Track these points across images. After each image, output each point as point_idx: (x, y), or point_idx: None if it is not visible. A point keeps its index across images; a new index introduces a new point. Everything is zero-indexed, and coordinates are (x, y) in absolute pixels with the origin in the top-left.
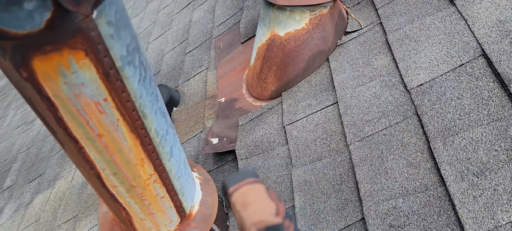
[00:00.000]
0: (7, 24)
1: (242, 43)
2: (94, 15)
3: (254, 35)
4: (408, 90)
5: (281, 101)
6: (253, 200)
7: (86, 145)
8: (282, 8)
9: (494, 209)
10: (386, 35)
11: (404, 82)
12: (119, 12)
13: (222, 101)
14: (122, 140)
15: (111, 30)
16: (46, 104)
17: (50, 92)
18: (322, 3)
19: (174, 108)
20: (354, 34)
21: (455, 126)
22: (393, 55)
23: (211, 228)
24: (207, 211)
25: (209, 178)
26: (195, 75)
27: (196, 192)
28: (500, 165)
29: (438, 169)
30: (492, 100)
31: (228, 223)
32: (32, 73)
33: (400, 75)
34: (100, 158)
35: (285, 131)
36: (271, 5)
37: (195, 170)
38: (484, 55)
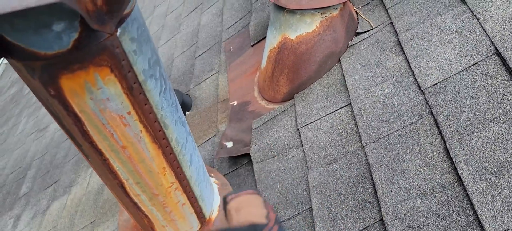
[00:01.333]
0: (37, 46)
1: (252, 46)
2: (118, 33)
3: (264, 38)
4: (422, 90)
5: (294, 104)
6: (247, 206)
7: (110, 157)
8: (292, 11)
9: None
10: (397, 35)
11: (417, 82)
12: (140, 28)
13: (235, 104)
14: (145, 151)
15: (134, 46)
16: (72, 119)
17: (77, 108)
18: (333, 5)
19: (187, 113)
20: (365, 35)
21: (471, 125)
22: (405, 55)
23: None
24: None
25: (226, 183)
26: (206, 79)
27: (215, 197)
28: None
29: (455, 169)
30: (507, 99)
31: None
32: (60, 91)
33: (413, 75)
34: (124, 168)
35: (299, 133)
36: (281, 9)
37: (212, 175)
38: (498, 53)
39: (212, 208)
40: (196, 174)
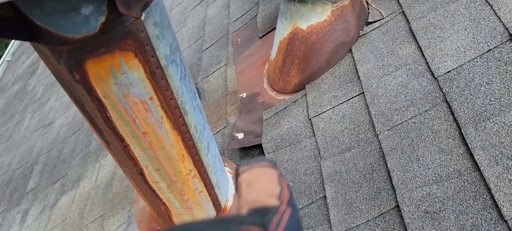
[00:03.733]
0: (65, 29)
1: (260, 37)
2: (142, 17)
3: (272, 30)
4: (435, 78)
5: (305, 94)
6: (260, 181)
7: (131, 143)
8: (303, 1)
9: None
10: (409, 23)
11: (431, 70)
12: (163, 13)
13: (244, 96)
14: (165, 137)
15: (157, 31)
16: (96, 104)
17: (101, 93)
18: None
19: None
20: (376, 24)
21: (486, 111)
22: (418, 43)
23: None
24: None
25: None
26: (214, 72)
27: (229, 186)
28: None
29: (471, 155)
30: None
31: None
32: (85, 75)
33: (427, 63)
34: (144, 155)
35: (311, 123)
36: None
37: (226, 164)
38: None
39: (227, 196)
40: (213, 162)
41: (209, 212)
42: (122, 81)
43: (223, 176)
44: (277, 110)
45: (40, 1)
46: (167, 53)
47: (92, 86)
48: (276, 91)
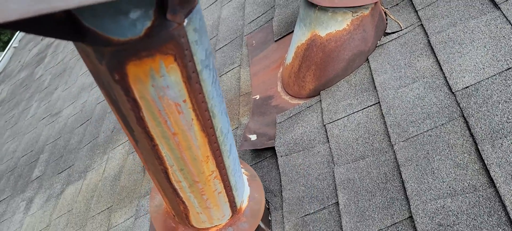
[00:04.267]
0: (111, 32)
1: (276, 41)
2: (185, 23)
3: (288, 34)
4: (453, 93)
5: (320, 100)
6: None
7: (160, 143)
8: (324, 9)
9: None
10: (428, 37)
11: (449, 85)
12: (201, 19)
13: (257, 98)
14: (193, 139)
15: (196, 36)
16: (131, 105)
17: (138, 94)
18: (364, 5)
19: None
20: (394, 35)
21: (504, 129)
22: (436, 57)
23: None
24: (255, 206)
25: (255, 175)
26: (227, 72)
27: (245, 188)
28: None
29: (487, 170)
30: None
31: (270, 218)
32: (124, 77)
33: (445, 77)
34: (171, 155)
35: (325, 129)
36: (313, 6)
37: (241, 166)
38: None
39: (243, 198)
40: (233, 164)
41: (225, 213)
42: (159, 83)
43: (240, 178)
44: (291, 114)
45: (93, 5)
46: (203, 58)
47: (130, 87)
48: (290, 95)
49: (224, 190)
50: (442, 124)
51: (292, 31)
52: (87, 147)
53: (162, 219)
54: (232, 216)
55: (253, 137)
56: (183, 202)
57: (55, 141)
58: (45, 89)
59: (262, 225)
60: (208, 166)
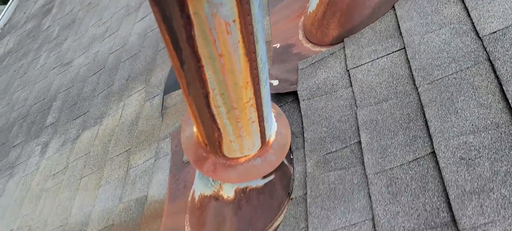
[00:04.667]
0: None
1: None
2: None
3: None
4: (480, 38)
5: (344, 47)
6: None
7: (206, 64)
8: None
9: None
10: None
11: (476, 30)
12: None
13: (278, 46)
14: (237, 62)
15: None
16: (184, 21)
17: (192, 10)
18: None
19: None
20: None
21: None
22: (464, 3)
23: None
24: (282, 140)
25: (281, 112)
26: None
27: (273, 123)
28: None
29: (510, 109)
30: None
31: (291, 157)
32: None
33: (472, 23)
34: (215, 77)
35: (349, 74)
36: None
37: None
38: None
39: (271, 132)
40: (267, 95)
41: (256, 143)
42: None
43: (270, 111)
44: (314, 60)
45: None
46: None
47: (186, 2)
48: (312, 43)
49: (258, 120)
50: (468, 67)
51: None
52: (102, 95)
53: (193, 149)
54: (260, 148)
55: (275, 82)
56: (219, 129)
57: (68, 89)
58: (54, 40)
59: (286, 161)
60: (246, 92)
